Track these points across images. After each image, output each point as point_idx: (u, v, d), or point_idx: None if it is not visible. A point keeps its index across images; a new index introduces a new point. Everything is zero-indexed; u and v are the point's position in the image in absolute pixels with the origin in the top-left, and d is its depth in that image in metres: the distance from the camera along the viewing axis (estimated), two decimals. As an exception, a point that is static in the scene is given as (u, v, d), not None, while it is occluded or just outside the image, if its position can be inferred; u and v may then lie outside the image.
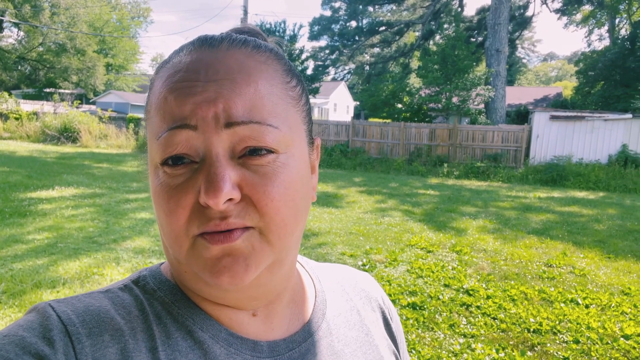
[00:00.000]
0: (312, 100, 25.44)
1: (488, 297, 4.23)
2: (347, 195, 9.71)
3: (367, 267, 4.95)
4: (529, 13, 33.31)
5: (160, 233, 0.48)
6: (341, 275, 0.68)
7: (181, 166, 0.44)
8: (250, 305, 0.51)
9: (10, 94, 23.55)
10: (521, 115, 22.84)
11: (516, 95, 27.74)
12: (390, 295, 4.18)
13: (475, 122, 18.16)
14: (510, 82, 35.63)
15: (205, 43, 0.47)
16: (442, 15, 30.30)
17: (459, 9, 29.92)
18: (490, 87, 18.78)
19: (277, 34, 21.21)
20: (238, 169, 0.44)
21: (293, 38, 21.47)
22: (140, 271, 0.55)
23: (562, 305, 4.13)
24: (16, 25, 33.28)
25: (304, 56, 21.74)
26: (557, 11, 29.44)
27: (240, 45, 0.48)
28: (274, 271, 0.49)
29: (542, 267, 5.23)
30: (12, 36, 37.20)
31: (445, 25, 19.84)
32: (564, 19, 30.84)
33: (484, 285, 4.54)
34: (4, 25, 33.56)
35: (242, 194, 0.43)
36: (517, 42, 38.61)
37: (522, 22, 33.46)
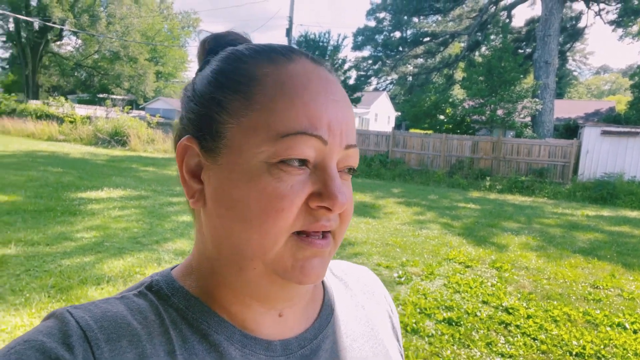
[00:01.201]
0: (353, 110, 25.51)
1: (528, 317, 4.08)
2: (385, 205, 9.63)
3: (402, 279, 4.89)
4: (581, 24, 32.14)
5: (239, 230, 0.47)
6: (343, 271, 0.70)
7: (298, 168, 0.46)
8: (285, 305, 0.53)
9: (66, 99, 24.93)
10: (570, 130, 21.98)
11: (565, 109, 26.76)
12: (425, 309, 4.11)
13: (520, 136, 17.65)
14: (560, 95, 34.43)
15: (314, 59, 0.52)
16: (489, 26, 29.71)
17: (507, 20, 29.27)
18: (537, 99, 18.23)
19: (321, 44, 21.44)
20: None
21: (337, 48, 21.64)
22: (151, 276, 0.55)
23: (608, 329, 3.93)
24: (75, 33, 35.22)
25: (346, 66, 21.84)
26: (611, 23, 28.24)
27: (333, 70, 0.53)
28: None
29: (588, 288, 5.00)
30: (70, 44, 39.41)
31: (492, 37, 19.46)
32: (619, 30, 29.50)
33: (524, 304, 4.38)
34: (64, 33, 35.58)
35: None
36: (568, 54, 37.31)
37: (573, 33, 32.32)
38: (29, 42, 33.11)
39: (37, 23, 29.76)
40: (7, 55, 37.61)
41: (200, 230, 0.52)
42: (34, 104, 23.82)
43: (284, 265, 0.47)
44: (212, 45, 0.56)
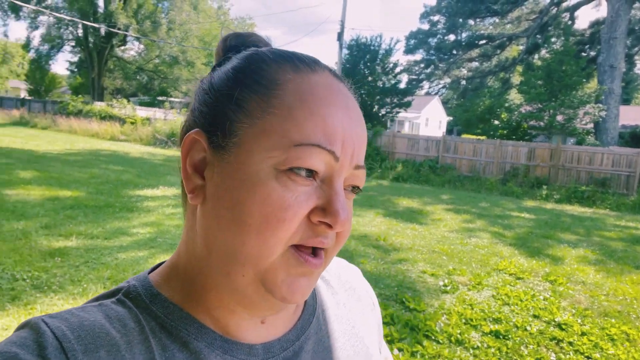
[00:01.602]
0: (403, 114, 25.17)
1: (583, 334, 3.86)
2: (433, 212, 9.44)
3: (448, 287, 4.77)
4: (652, 25, 30.11)
5: (235, 233, 0.45)
6: (325, 269, 0.70)
7: (307, 179, 0.45)
8: (267, 314, 0.52)
9: (128, 101, 26.25)
10: (637, 138, 20.60)
11: (632, 116, 25.16)
12: (471, 319, 3.99)
13: (582, 143, 16.78)
14: (627, 101, 32.43)
15: (336, 74, 0.51)
16: (549, 28, 28.48)
17: (570, 22, 27.93)
18: (601, 105, 17.26)
19: (372, 47, 21.36)
20: None
21: (388, 52, 21.48)
22: (128, 281, 0.53)
23: (674, 353, 3.65)
24: (137, 39, 37.05)
25: (397, 70, 21.63)
26: (687, 23, 26.31)
27: (350, 85, 0.53)
28: None
29: (652, 307, 4.67)
30: (133, 49, 41.47)
31: (553, 39, 18.64)
32: (696, 31, 27.43)
33: (579, 320, 4.15)
34: (128, 38, 37.52)
35: None
36: (636, 57, 35.03)
37: (643, 35, 30.33)
38: (96, 47, 35.16)
39: (103, 29, 31.56)
40: (75, 59, 40.11)
41: (192, 228, 0.50)
42: (98, 106, 25.26)
43: (274, 278, 0.46)
44: (234, 43, 0.55)
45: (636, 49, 31.68)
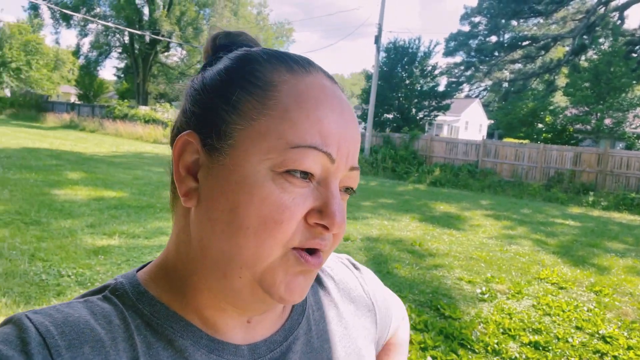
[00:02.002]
0: (441, 117, 24.74)
1: (629, 348, 3.66)
2: (471, 218, 9.21)
3: (486, 296, 4.64)
4: None
5: (232, 235, 0.45)
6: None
7: (303, 181, 0.45)
8: (256, 313, 0.52)
9: (171, 105, 27.07)
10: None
11: (689, 119, 23.73)
12: (509, 329, 3.86)
13: (631, 148, 15.98)
14: (682, 103, 30.63)
15: (329, 76, 0.51)
16: (597, 28, 27.33)
17: (619, 22, 26.72)
18: (653, 108, 16.40)
19: (410, 50, 21.14)
20: None
21: (427, 54, 21.21)
22: (116, 278, 0.53)
23: None
24: (180, 45, 38.17)
25: (436, 72, 21.32)
26: None
27: (342, 87, 0.53)
28: None
29: None
30: (176, 55, 42.73)
31: (601, 40, 17.89)
32: None
33: (625, 334, 3.95)
34: (171, 45, 38.72)
35: None
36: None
37: (701, 33, 28.62)
38: (141, 53, 36.47)
39: (147, 36, 32.69)
40: (122, 65, 41.75)
41: (184, 230, 0.50)
42: (143, 110, 26.16)
43: (272, 279, 0.45)
44: (224, 42, 0.54)
45: (693, 48, 29.93)
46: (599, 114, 16.34)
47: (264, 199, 0.44)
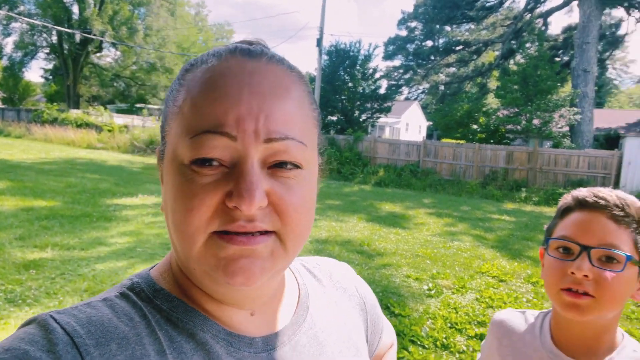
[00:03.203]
0: (383, 119, 25.32)
1: (566, 335, 3.89)
2: (415, 216, 9.48)
3: (432, 292, 4.76)
4: (621, 32, 31.08)
5: (171, 229, 0.49)
6: (316, 267, 0.72)
7: (211, 167, 0.45)
8: (248, 305, 0.54)
9: (105, 108, 25.81)
10: (611, 140, 21.18)
11: (605, 119, 25.82)
12: (456, 323, 3.98)
13: (558, 146, 17.13)
14: (600, 104, 33.29)
15: (245, 53, 0.49)
16: (524, 34, 29.11)
17: (543, 28, 28.59)
18: (576, 109, 17.68)
19: (351, 53, 21.47)
20: (268, 178, 0.47)
21: (367, 58, 21.61)
22: (131, 278, 0.54)
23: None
24: (114, 45, 36.51)
25: (377, 75, 21.78)
26: (655, 29, 27.20)
27: (277, 61, 0.50)
28: (279, 274, 0.53)
29: (631, 306, 4.75)
30: (109, 55, 40.85)
31: (528, 44, 19.06)
32: (663, 37, 28.37)
33: (562, 322, 4.19)
34: (103, 45, 36.95)
35: (268, 201, 0.46)
36: (608, 62, 36.09)
37: (613, 41, 31.26)
38: (71, 53, 34.50)
39: (78, 35, 31.01)
40: (50, 66, 39.30)
41: None
42: (74, 113, 24.76)
43: (209, 265, 0.46)
44: None
45: (607, 53, 32.62)
46: (528, 115, 17.36)
47: (176, 191, 0.47)
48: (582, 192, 0.90)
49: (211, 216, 0.45)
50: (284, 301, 0.60)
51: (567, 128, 18.86)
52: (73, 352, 0.41)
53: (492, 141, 18.59)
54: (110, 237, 5.93)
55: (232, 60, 0.48)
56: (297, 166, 0.49)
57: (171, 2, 38.11)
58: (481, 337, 3.76)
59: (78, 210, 7.23)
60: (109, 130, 22.03)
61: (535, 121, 17.33)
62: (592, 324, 0.87)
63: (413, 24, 35.59)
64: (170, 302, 0.51)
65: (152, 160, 17.70)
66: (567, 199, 0.94)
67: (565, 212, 0.92)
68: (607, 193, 0.88)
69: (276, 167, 0.48)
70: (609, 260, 0.83)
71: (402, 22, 36.16)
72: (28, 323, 0.45)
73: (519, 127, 17.81)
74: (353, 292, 0.72)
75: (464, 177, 15.67)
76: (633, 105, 60.20)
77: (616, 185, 13.53)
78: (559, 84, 17.98)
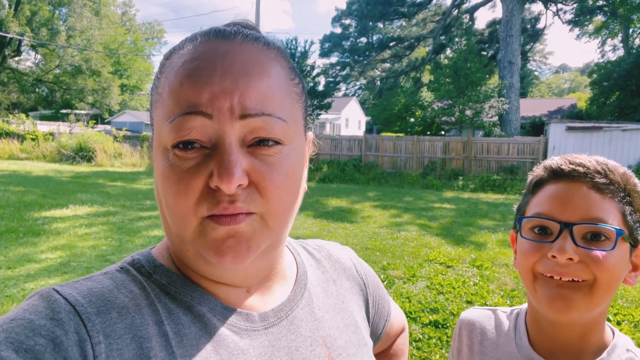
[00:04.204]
0: (324, 116, 25.46)
1: (514, 314, 4.04)
2: (362, 210, 9.57)
3: (385, 283, 4.79)
4: (540, 25, 33.21)
5: (165, 213, 0.50)
6: (316, 248, 0.73)
7: (192, 150, 0.46)
8: (244, 283, 0.56)
9: (27, 116, 24.03)
10: (536, 127, 22.57)
11: (530, 108, 27.50)
12: (410, 312, 4.02)
13: (489, 135, 17.98)
14: (523, 94, 35.39)
15: (219, 35, 0.50)
16: (452, 29, 30.35)
17: (470, 23, 29.93)
18: (504, 99, 18.63)
19: (289, 50, 21.34)
20: (247, 157, 0.47)
21: (304, 55, 21.60)
22: (132, 256, 0.56)
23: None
24: (34, 48, 34.11)
25: (315, 72, 21.83)
26: (569, 22, 29.27)
27: (252, 40, 0.51)
28: (269, 253, 0.53)
29: None
30: (29, 59, 38.15)
31: (457, 39, 19.83)
32: (576, 30, 30.61)
33: (508, 302, 4.35)
34: (22, 48, 34.41)
35: (249, 180, 0.47)
36: (529, 54, 38.45)
37: (533, 34, 33.35)
38: (-15, 58, 31.86)
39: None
40: (-39, 72, 36.04)
41: None
42: (-8, 122, 22.84)
43: (201, 246, 0.48)
44: None
45: (528, 46, 34.73)
46: (460, 107, 18.09)
47: (163, 176, 0.48)
48: (555, 161, 0.77)
49: (198, 200, 0.46)
50: (282, 279, 0.61)
51: (496, 117, 19.86)
52: (75, 319, 0.43)
53: (428, 133, 19.20)
54: (40, 252, 5.48)
55: (207, 44, 0.49)
56: (277, 142, 0.49)
57: (95, 2, 36.19)
58: (435, 324, 3.82)
59: (1, 226, 6.63)
60: (33, 139, 20.54)
61: (468, 112, 18.08)
62: (578, 320, 0.73)
63: (347, 21, 36.11)
64: (169, 277, 0.53)
65: (83, 168, 16.71)
66: (537, 170, 0.81)
67: (537, 185, 0.78)
68: (585, 159, 0.75)
69: (256, 145, 0.48)
70: (595, 237, 0.69)
71: (336, 20, 36.57)
72: (31, 297, 0.47)
73: (452, 119, 18.52)
74: (352, 273, 0.73)
75: (405, 168, 16.07)
76: (552, 94, 64.70)
77: (544, 169, 14.42)
78: (487, 76, 18.89)
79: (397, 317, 0.82)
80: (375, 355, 0.78)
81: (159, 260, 0.55)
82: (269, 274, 0.59)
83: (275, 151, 0.49)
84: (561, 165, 0.75)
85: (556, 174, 0.75)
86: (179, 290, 0.52)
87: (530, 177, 0.82)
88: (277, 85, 0.50)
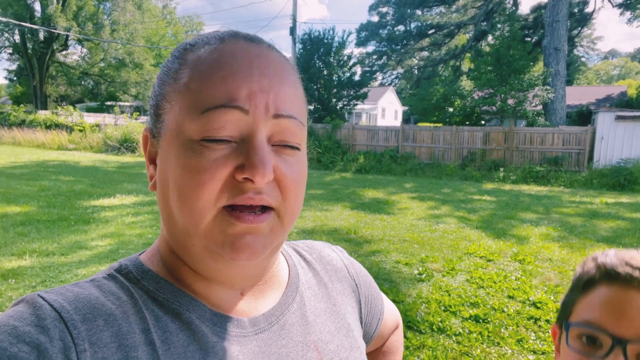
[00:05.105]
0: (360, 106, 25.28)
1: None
2: (399, 201, 9.50)
3: (423, 276, 4.77)
4: (588, 9, 31.62)
5: (174, 207, 0.49)
6: (307, 250, 0.73)
7: (221, 143, 0.47)
8: (240, 284, 0.55)
9: (75, 108, 25.06)
10: (583, 116, 21.62)
11: (576, 96, 26.37)
12: (450, 306, 3.99)
13: (533, 124, 17.38)
14: (569, 82, 33.95)
15: (248, 38, 0.52)
16: (495, 15, 29.36)
17: (513, 8, 28.88)
18: (549, 87, 17.93)
19: (325, 41, 21.29)
20: (273, 155, 0.49)
21: (341, 45, 21.46)
22: (119, 262, 0.56)
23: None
24: (80, 42, 35.40)
25: (351, 62, 21.68)
26: (619, 6, 27.73)
27: (275, 49, 0.54)
28: (273, 252, 0.54)
29: (616, 278, 4.84)
30: (76, 53, 39.63)
31: (499, 25, 19.19)
32: (627, 14, 28.96)
33: (552, 298, 4.24)
34: (69, 42, 35.80)
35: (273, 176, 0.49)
36: (576, 40, 36.73)
37: (581, 19, 31.79)
38: (35, 52, 33.33)
39: (42, 33, 29.97)
40: (14, 67, 37.91)
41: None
42: (43, 114, 23.98)
43: (215, 241, 0.48)
44: None
45: (575, 31, 33.19)
46: (502, 95, 17.54)
47: (185, 167, 0.47)
48: (609, 259, 0.68)
49: (221, 190, 0.47)
50: (274, 282, 0.61)
51: (540, 107, 19.15)
52: (61, 326, 0.43)
53: (468, 123, 18.75)
54: (90, 240, 5.75)
55: (238, 43, 0.51)
56: (296, 147, 0.51)
57: (137, -5, 37.10)
58: (475, 318, 3.77)
59: (54, 214, 6.99)
60: (80, 130, 21.43)
61: (510, 101, 17.52)
62: None
63: (384, 9, 35.48)
64: (157, 283, 0.52)
65: (128, 158, 17.31)
66: (588, 266, 0.72)
67: (587, 285, 0.70)
68: None
69: (282, 146, 0.50)
70: None
71: (373, 8, 36.00)
72: (17, 303, 0.46)
73: (494, 108, 17.99)
74: (344, 274, 0.73)
75: (442, 159, 15.79)
76: (600, 81, 61.70)
77: (590, 160, 13.85)
78: (531, 64, 18.20)
79: (390, 314, 0.82)
80: (369, 354, 0.81)
81: (148, 266, 0.55)
82: (265, 276, 0.59)
83: (294, 153, 0.51)
84: (616, 266, 0.67)
85: (610, 276, 0.67)
86: (167, 296, 0.52)
87: (579, 271, 0.74)
88: (299, 92, 0.54)
